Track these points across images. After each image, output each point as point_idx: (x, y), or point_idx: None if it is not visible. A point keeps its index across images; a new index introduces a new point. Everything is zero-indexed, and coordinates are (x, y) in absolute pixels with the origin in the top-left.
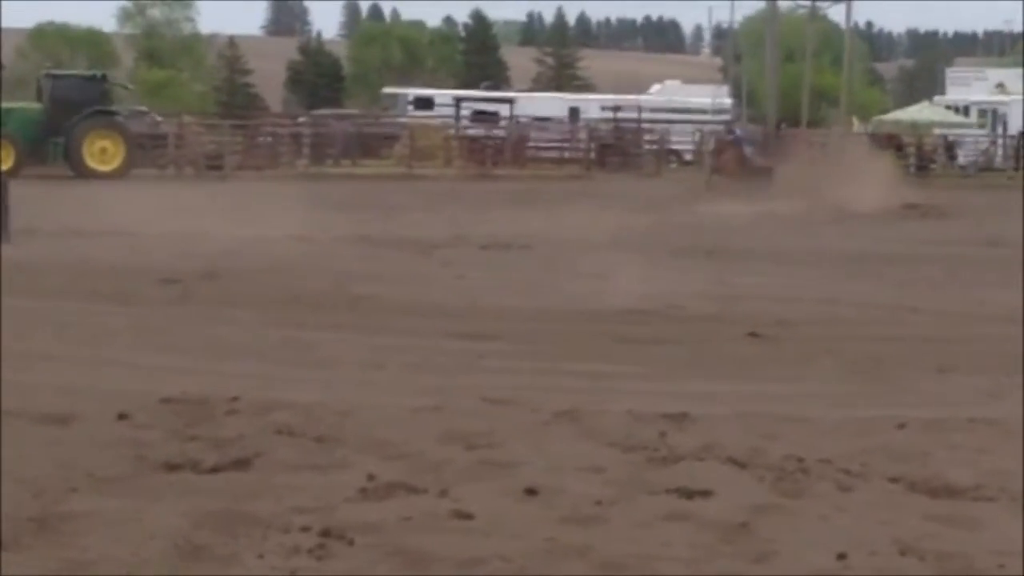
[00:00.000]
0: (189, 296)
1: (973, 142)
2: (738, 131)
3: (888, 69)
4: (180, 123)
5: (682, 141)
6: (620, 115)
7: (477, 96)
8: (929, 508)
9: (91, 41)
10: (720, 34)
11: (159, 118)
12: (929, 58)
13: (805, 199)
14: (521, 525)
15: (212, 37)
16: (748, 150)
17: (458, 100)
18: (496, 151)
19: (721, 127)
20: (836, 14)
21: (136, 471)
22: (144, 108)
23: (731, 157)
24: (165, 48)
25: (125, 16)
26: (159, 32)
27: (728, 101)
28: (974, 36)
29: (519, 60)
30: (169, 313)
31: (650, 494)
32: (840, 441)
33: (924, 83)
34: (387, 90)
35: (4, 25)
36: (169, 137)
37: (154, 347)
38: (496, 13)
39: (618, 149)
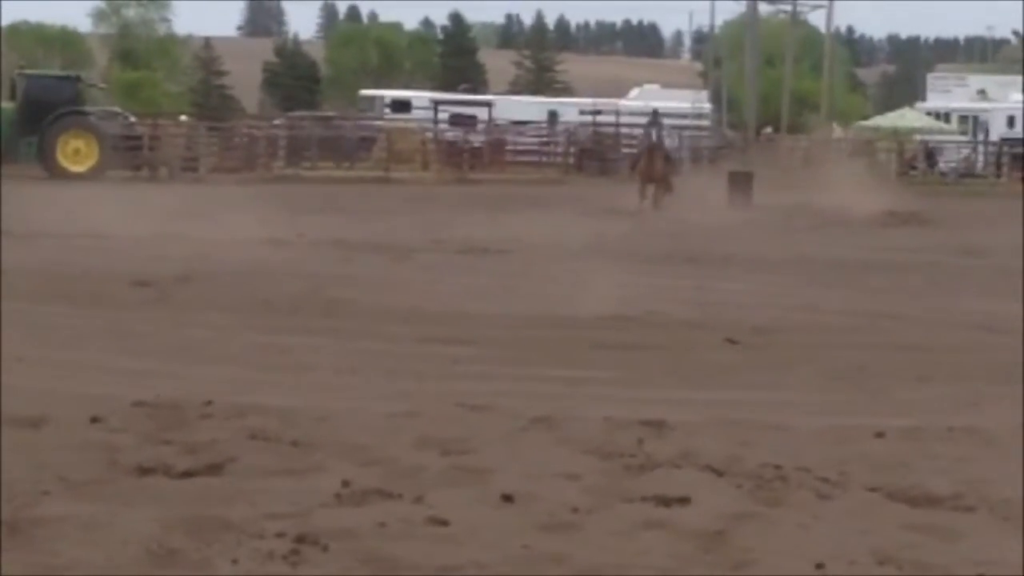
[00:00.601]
0: (163, 299)
1: (954, 149)
2: (663, 130)
3: (869, 75)
4: (155, 124)
5: None
6: (599, 119)
7: (455, 99)
8: (908, 517)
9: (65, 41)
10: (700, 38)
11: (132, 119)
12: (910, 64)
13: (785, 205)
14: (497, 532)
15: (187, 38)
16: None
17: (436, 103)
18: (474, 155)
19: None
20: (817, 19)
21: (109, 475)
22: (118, 109)
23: (659, 166)
24: (140, 49)
25: (100, 16)
26: (134, 33)
27: (707, 106)
28: (955, 42)
29: (497, 63)
30: (142, 316)
31: (627, 502)
32: (819, 449)
33: (905, 89)
34: (364, 92)
35: None
36: (143, 138)
37: (127, 350)
38: (474, 15)
39: (597, 153)
